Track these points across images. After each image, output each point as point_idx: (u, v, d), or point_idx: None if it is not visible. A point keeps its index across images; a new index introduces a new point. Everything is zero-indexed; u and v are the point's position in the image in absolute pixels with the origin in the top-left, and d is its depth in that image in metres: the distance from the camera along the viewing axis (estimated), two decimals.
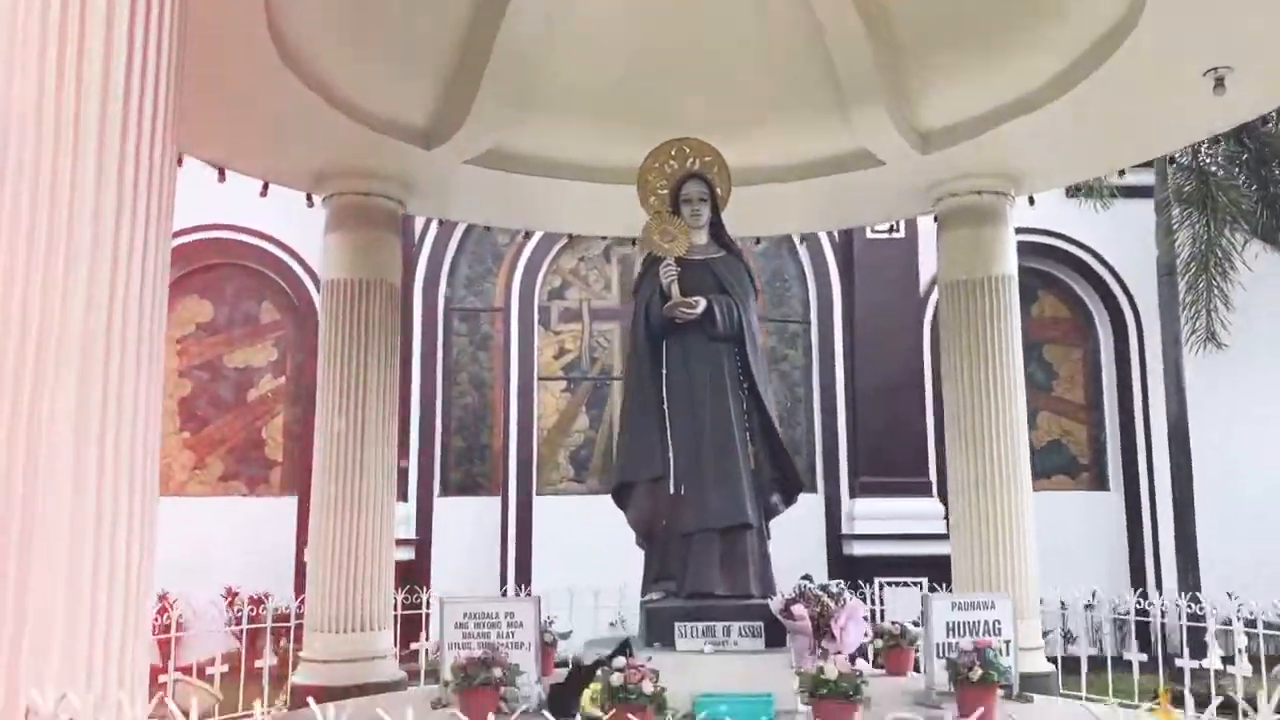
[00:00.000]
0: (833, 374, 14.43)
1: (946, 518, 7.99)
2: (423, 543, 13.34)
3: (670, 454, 4.79)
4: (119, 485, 2.83)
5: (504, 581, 13.41)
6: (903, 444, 13.76)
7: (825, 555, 13.56)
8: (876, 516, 13.42)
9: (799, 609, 4.33)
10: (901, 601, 10.98)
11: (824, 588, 4.49)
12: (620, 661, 3.70)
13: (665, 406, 4.87)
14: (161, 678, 5.58)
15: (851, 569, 12.77)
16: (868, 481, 13.59)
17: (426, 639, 7.09)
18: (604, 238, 13.21)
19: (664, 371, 4.92)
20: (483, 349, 14.28)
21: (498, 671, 4.04)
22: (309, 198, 7.15)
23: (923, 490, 13.90)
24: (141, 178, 2.97)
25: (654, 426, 4.87)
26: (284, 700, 6.17)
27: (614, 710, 3.54)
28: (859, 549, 13.33)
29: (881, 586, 11.39)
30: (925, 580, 13.15)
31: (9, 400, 2.71)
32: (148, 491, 2.96)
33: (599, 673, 3.89)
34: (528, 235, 13.97)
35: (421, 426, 13.64)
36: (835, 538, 13.69)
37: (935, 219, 7.40)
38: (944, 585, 8.77)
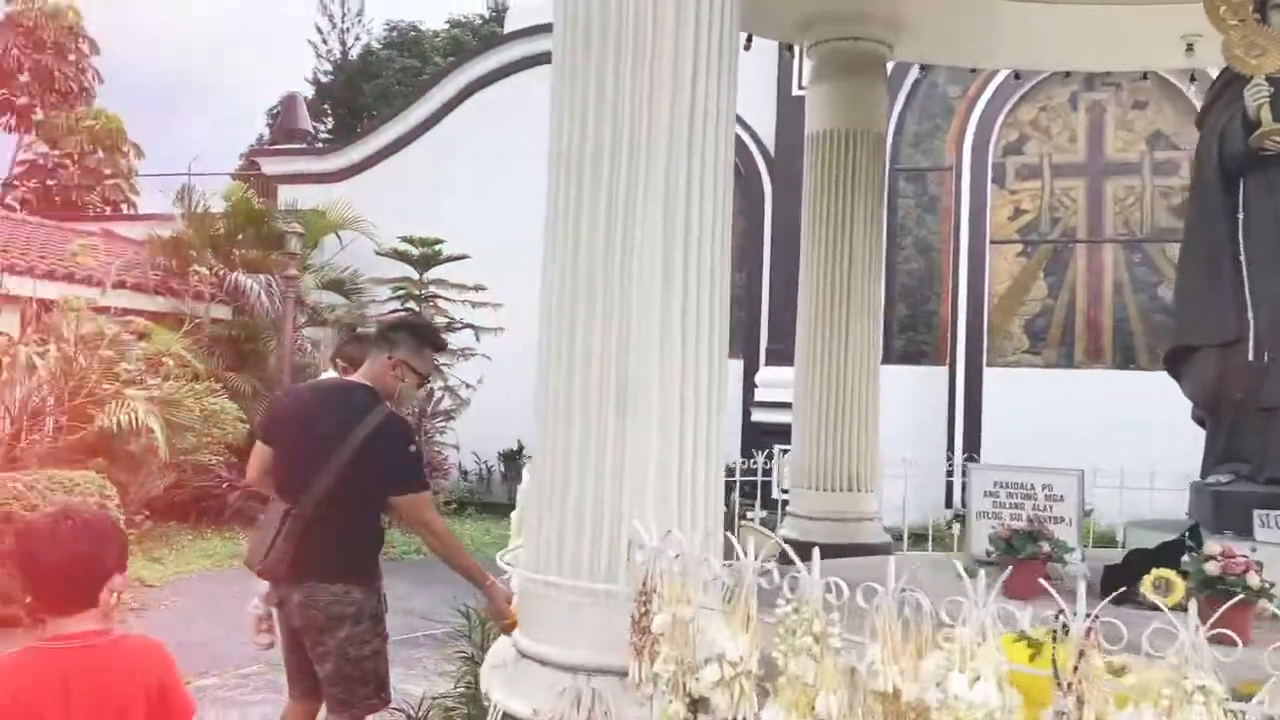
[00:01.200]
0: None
1: None
2: None
3: (1249, 313, 4.03)
4: (699, 343, 2.75)
5: (950, 456, 12.96)
6: None
7: None
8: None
9: None
10: None
11: None
12: (1214, 547, 3.18)
13: (1242, 256, 4.09)
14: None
15: None
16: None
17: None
18: (1066, 76, 11.87)
19: (1240, 215, 4.12)
20: (930, 211, 13.57)
21: (1045, 545, 3.68)
22: (789, 48, 6.90)
23: None
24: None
25: (1226, 280, 4.12)
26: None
27: (1204, 600, 3.03)
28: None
29: None
30: None
31: (601, 271, 2.71)
32: (719, 348, 2.87)
33: (1169, 558, 3.39)
34: (983, 86, 12.91)
35: None
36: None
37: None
38: None
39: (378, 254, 12.08)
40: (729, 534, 2.92)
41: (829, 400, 6.00)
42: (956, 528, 12.63)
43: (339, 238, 14.57)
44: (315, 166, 15.79)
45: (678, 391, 2.67)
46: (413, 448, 3.61)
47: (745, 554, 2.31)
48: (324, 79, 29.12)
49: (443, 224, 12.77)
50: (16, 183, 24.66)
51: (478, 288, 11.89)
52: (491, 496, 13.72)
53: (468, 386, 11.81)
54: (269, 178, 16.28)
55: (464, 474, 13.39)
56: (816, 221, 6.15)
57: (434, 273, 12.02)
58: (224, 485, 11.74)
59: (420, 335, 3.81)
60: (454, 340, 11.87)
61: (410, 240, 11.91)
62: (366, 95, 27.19)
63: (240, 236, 13.68)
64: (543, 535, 2.74)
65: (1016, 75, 12.29)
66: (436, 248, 11.91)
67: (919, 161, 13.63)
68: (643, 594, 2.44)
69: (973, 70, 9.41)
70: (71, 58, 25.98)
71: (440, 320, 11.65)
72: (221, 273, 12.66)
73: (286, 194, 15.23)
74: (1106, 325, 12.75)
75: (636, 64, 2.69)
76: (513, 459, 14.52)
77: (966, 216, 13.05)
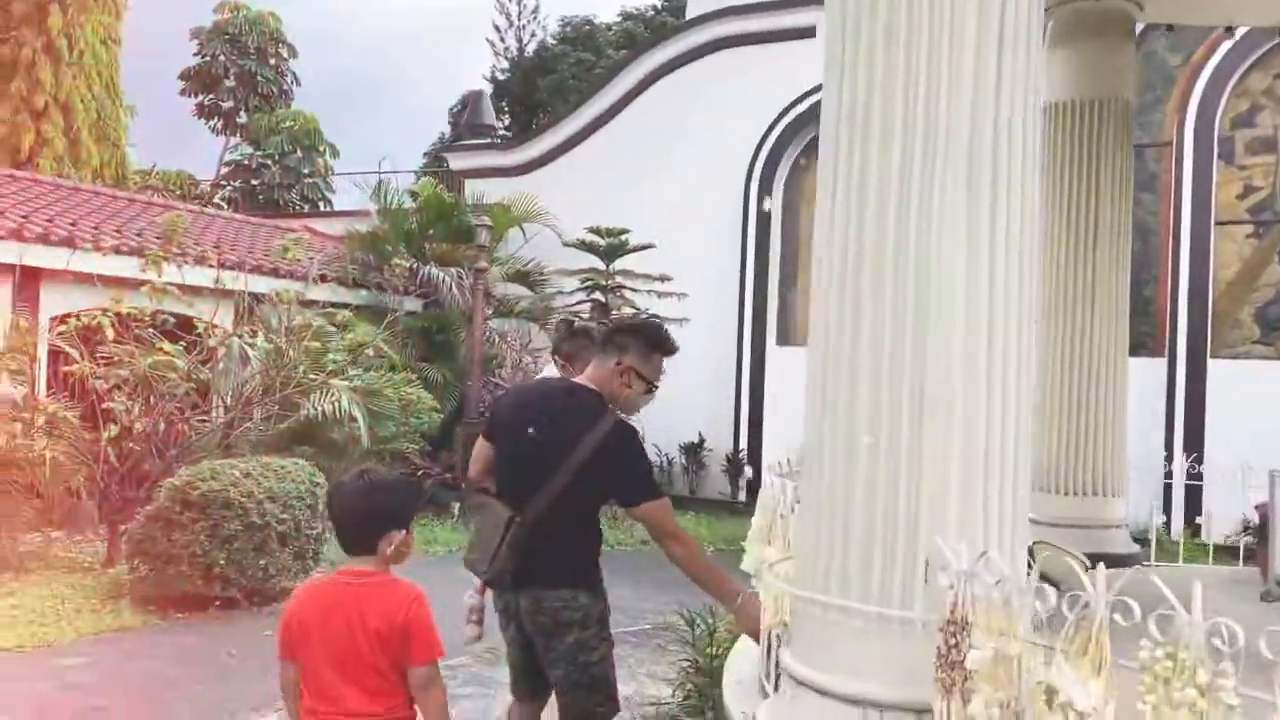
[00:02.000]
0: None
1: None
2: None
3: None
4: (1007, 331, 2.40)
5: (1169, 456, 11.99)
6: None
7: None
8: None
9: None
10: None
11: None
12: None
13: None
14: None
15: None
16: None
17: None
18: None
19: None
20: (1147, 190, 12.54)
21: None
22: None
23: None
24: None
25: None
26: None
27: None
28: None
29: None
30: None
31: (891, 248, 2.39)
32: (1028, 335, 2.51)
33: None
34: (1209, 53, 11.83)
35: None
36: None
37: None
38: None
39: (564, 245, 12.07)
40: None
41: (1071, 395, 5.49)
42: (1176, 534, 11.72)
43: (523, 231, 14.71)
44: (499, 161, 16.00)
45: (983, 387, 2.33)
46: (644, 458, 3.49)
47: (1087, 582, 1.99)
48: (501, 76, 29.71)
49: (625, 215, 12.66)
50: (224, 183, 26.19)
51: (664, 278, 11.71)
52: (673, 489, 13.58)
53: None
54: (455, 173, 16.61)
55: None
56: (1055, 202, 5.62)
57: (620, 263, 11.91)
58: (419, 473, 12.01)
59: (650, 340, 3.61)
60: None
61: (596, 231, 11.84)
62: (542, 91, 27.56)
63: (431, 231, 13.99)
64: (821, 551, 2.45)
65: (1247, 38, 11.21)
66: (623, 238, 11.79)
67: (1138, 137, 12.55)
68: (952, 623, 2.13)
69: (1215, 29, 8.53)
70: (272, 62, 27.37)
71: (628, 311, 11.53)
72: (415, 266, 12.94)
73: (472, 188, 15.47)
74: None
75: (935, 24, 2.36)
76: (694, 451, 14.34)
77: (1189, 195, 12.00)
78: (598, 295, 11.86)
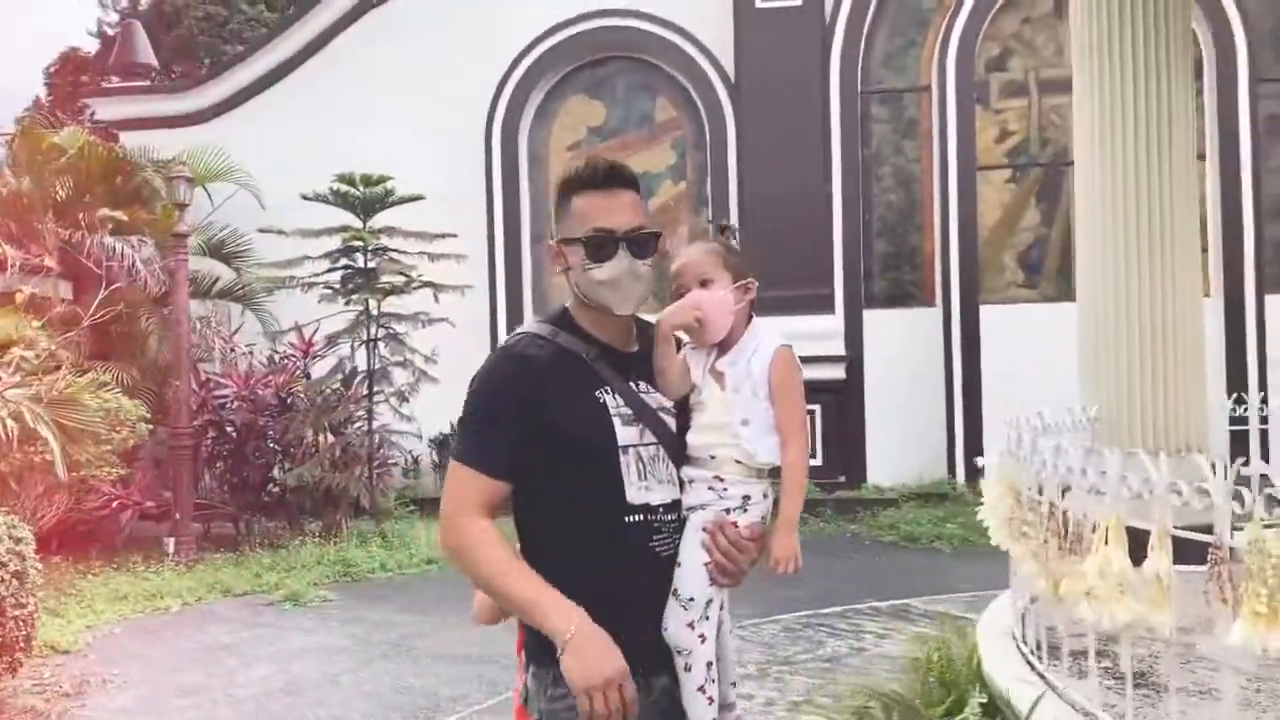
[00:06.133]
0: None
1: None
2: (854, 360, 11.82)
3: None
4: None
5: (950, 402, 11.82)
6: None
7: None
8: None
9: None
10: None
11: None
12: None
13: None
14: None
15: None
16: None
17: None
18: None
19: None
20: (908, 137, 12.28)
21: None
22: None
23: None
24: None
25: None
26: None
27: None
28: None
29: None
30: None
31: None
32: None
33: None
34: None
35: (845, 230, 11.92)
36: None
37: None
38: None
39: (304, 198, 9.57)
40: None
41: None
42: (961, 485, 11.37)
43: (208, 194, 11.88)
44: (167, 107, 12.88)
45: None
46: (476, 393, 2.12)
47: None
48: (112, 31, 25.23)
49: (339, 167, 10.20)
50: None
51: (445, 235, 9.61)
52: (420, 492, 11.54)
53: (426, 359, 9.55)
54: (105, 125, 13.21)
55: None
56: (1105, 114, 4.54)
57: (380, 221, 9.61)
58: (114, 505, 9.11)
59: (559, 188, 2.13)
60: (410, 304, 9.60)
61: (348, 179, 9.47)
62: (166, 50, 23.65)
63: (87, 198, 10.78)
64: None
65: None
66: (386, 185, 9.52)
67: (894, 82, 12.30)
68: None
69: None
70: None
71: (397, 279, 9.33)
72: (78, 236, 9.86)
73: (131, 143, 12.25)
74: None
75: None
76: (447, 446, 12.33)
77: (954, 140, 11.82)
78: (357, 258, 9.50)
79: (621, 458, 1.96)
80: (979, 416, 11.54)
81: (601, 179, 2.00)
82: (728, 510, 1.98)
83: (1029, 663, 3.04)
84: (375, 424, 9.76)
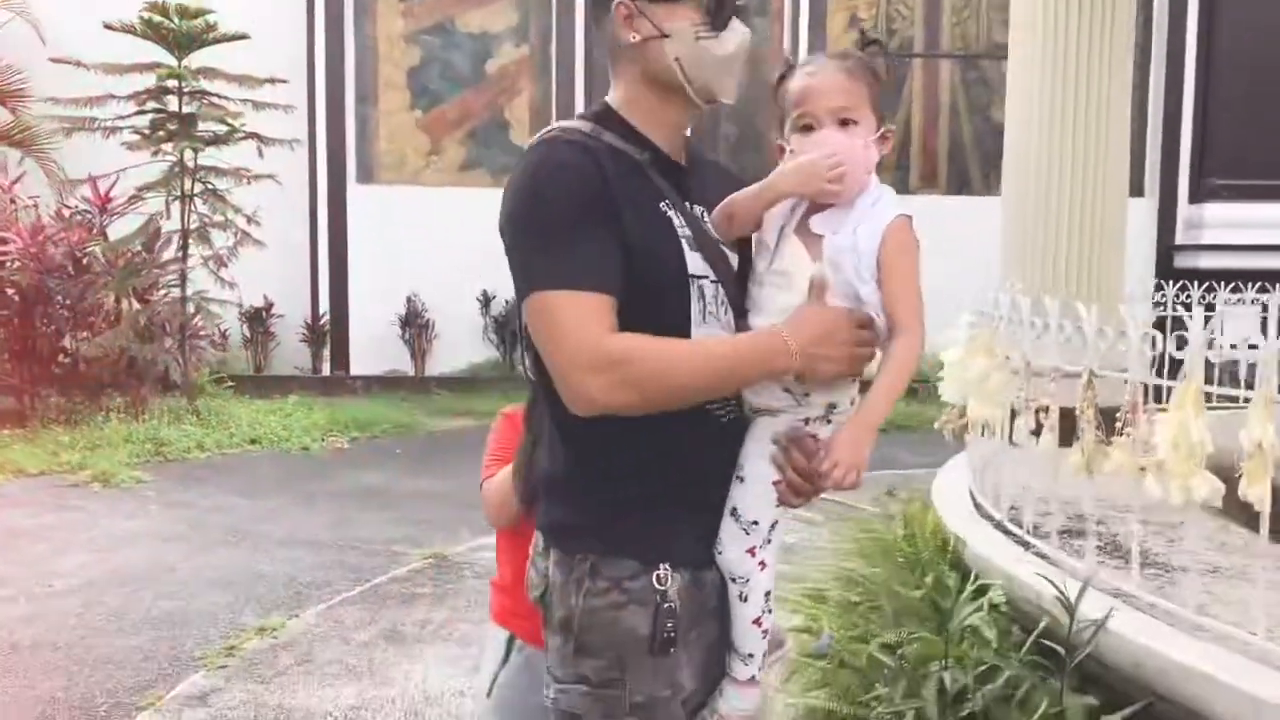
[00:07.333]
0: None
1: None
2: None
3: None
4: None
5: None
6: (1271, 135, 11.45)
7: (1153, 269, 11.76)
8: (1229, 224, 11.58)
9: None
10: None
11: None
12: None
13: None
14: None
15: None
16: (1220, 184, 11.58)
17: None
18: None
19: None
20: (760, 14, 11.95)
21: None
22: None
23: None
24: None
25: None
26: None
27: None
28: (1204, 261, 11.48)
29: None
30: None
31: None
32: None
33: None
34: None
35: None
36: (1166, 249, 11.94)
37: None
38: None
39: (108, 28, 8.24)
40: None
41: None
42: None
43: None
44: None
45: None
46: (535, 205, 1.59)
47: None
48: None
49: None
50: None
51: (274, 80, 8.54)
52: (232, 368, 10.68)
53: (249, 220, 8.61)
54: None
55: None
56: None
57: (195, 60, 8.42)
58: None
59: None
60: (229, 156, 8.58)
61: (160, 9, 8.20)
62: None
63: None
64: None
65: None
66: (206, 19, 8.31)
67: None
68: None
69: None
70: None
71: (219, 128, 8.26)
72: None
73: None
74: (942, 149, 12.14)
75: None
76: (259, 319, 11.43)
77: (806, 25, 11.63)
78: (169, 101, 8.32)
79: (691, 287, 1.53)
80: None
81: None
82: (806, 420, 1.55)
83: (1023, 543, 2.93)
84: (189, 290, 8.79)
